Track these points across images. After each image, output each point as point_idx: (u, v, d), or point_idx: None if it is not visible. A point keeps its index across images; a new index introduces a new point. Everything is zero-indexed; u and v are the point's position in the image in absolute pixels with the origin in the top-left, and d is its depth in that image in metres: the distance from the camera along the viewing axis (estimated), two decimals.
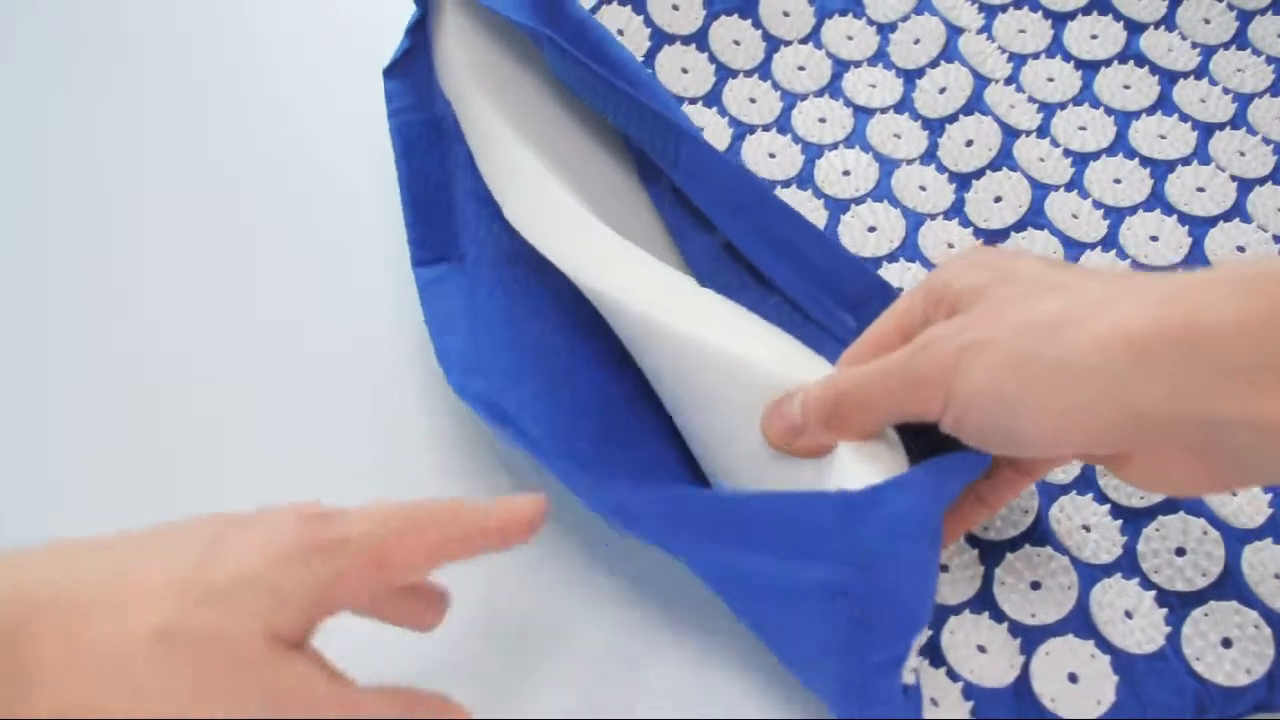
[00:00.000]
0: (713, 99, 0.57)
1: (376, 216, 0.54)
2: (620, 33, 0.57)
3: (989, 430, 0.35)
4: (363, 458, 0.49)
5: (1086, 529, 0.45)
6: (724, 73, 0.57)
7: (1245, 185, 0.53)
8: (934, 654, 0.42)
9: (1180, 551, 0.44)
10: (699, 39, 0.58)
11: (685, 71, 0.57)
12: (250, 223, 0.56)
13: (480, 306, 0.48)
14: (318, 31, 0.63)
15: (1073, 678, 0.42)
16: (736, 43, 0.58)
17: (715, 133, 0.55)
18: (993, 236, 0.52)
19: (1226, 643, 0.42)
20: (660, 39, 0.58)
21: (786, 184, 0.54)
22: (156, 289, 0.54)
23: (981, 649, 0.42)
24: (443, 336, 0.47)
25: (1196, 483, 0.36)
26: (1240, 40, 0.58)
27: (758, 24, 0.58)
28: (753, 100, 0.57)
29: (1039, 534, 0.45)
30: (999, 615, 0.43)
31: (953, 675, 0.42)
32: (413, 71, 0.53)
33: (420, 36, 0.53)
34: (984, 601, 0.44)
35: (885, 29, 0.58)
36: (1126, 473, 0.36)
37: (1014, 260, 0.37)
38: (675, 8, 0.58)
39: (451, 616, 0.39)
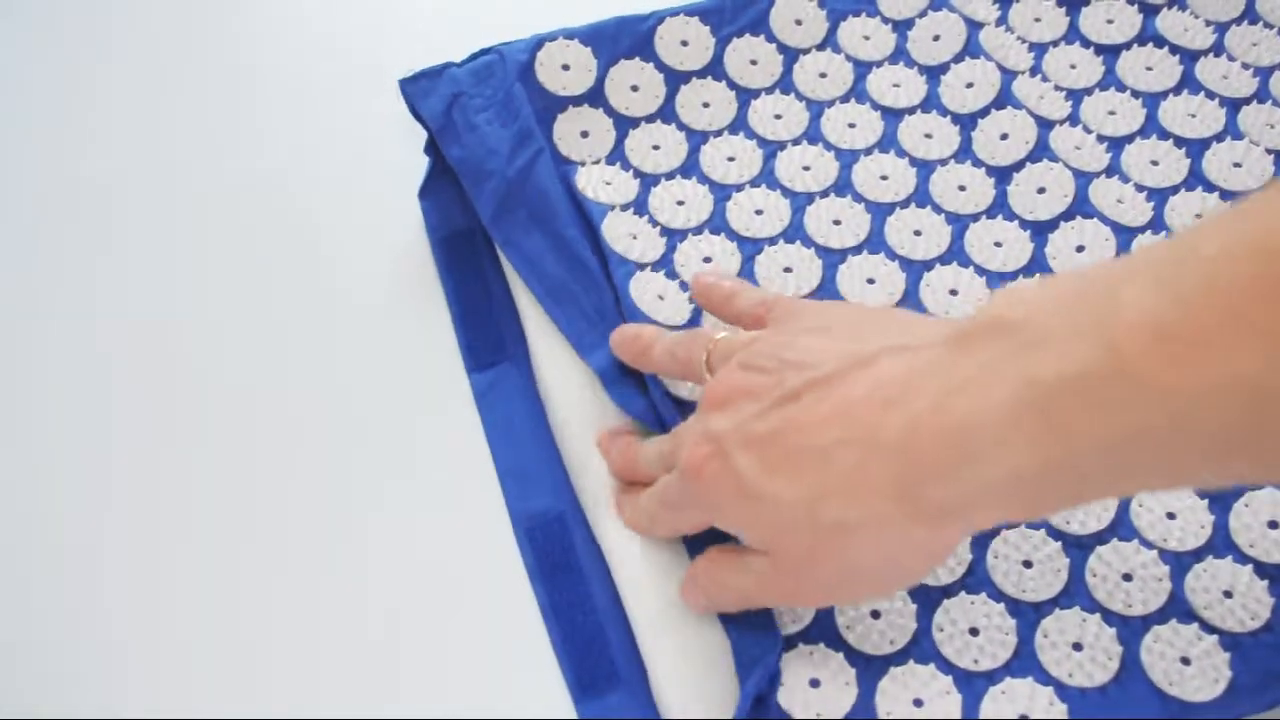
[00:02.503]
0: (738, 125, 0.56)
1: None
2: (635, 88, 0.56)
3: None
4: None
5: (1172, 516, 0.45)
6: (745, 96, 0.57)
7: None
8: (1028, 664, 0.42)
9: (1273, 524, 0.44)
10: (714, 69, 0.57)
11: (706, 105, 0.56)
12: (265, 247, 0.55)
13: (533, 408, 0.50)
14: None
15: (1185, 660, 0.41)
16: (753, 62, 0.57)
17: (745, 157, 0.55)
18: (1040, 228, 0.52)
19: None
20: (676, 80, 0.57)
21: (825, 194, 0.53)
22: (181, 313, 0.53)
23: (1077, 646, 0.42)
24: (502, 448, 0.49)
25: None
26: (1250, 15, 0.58)
27: (771, 38, 0.58)
28: (778, 116, 0.56)
29: (1124, 529, 0.45)
30: (1091, 606, 0.43)
31: (1044, 680, 0.42)
32: (442, 188, 0.55)
33: (439, 153, 0.54)
34: (1073, 595, 0.43)
35: (902, 26, 0.58)
36: None
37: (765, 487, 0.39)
38: (685, 43, 0.57)
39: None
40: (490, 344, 0.51)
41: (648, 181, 0.54)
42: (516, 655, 0.44)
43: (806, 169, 0.54)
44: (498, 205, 0.52)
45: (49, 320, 0.53)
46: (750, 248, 0.52)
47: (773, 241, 0.52)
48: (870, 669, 0.42)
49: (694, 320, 0.50)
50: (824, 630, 0.42)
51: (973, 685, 0.41)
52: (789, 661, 0.42)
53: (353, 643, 0.45)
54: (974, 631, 0.42)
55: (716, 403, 0.41)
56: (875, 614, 0.43)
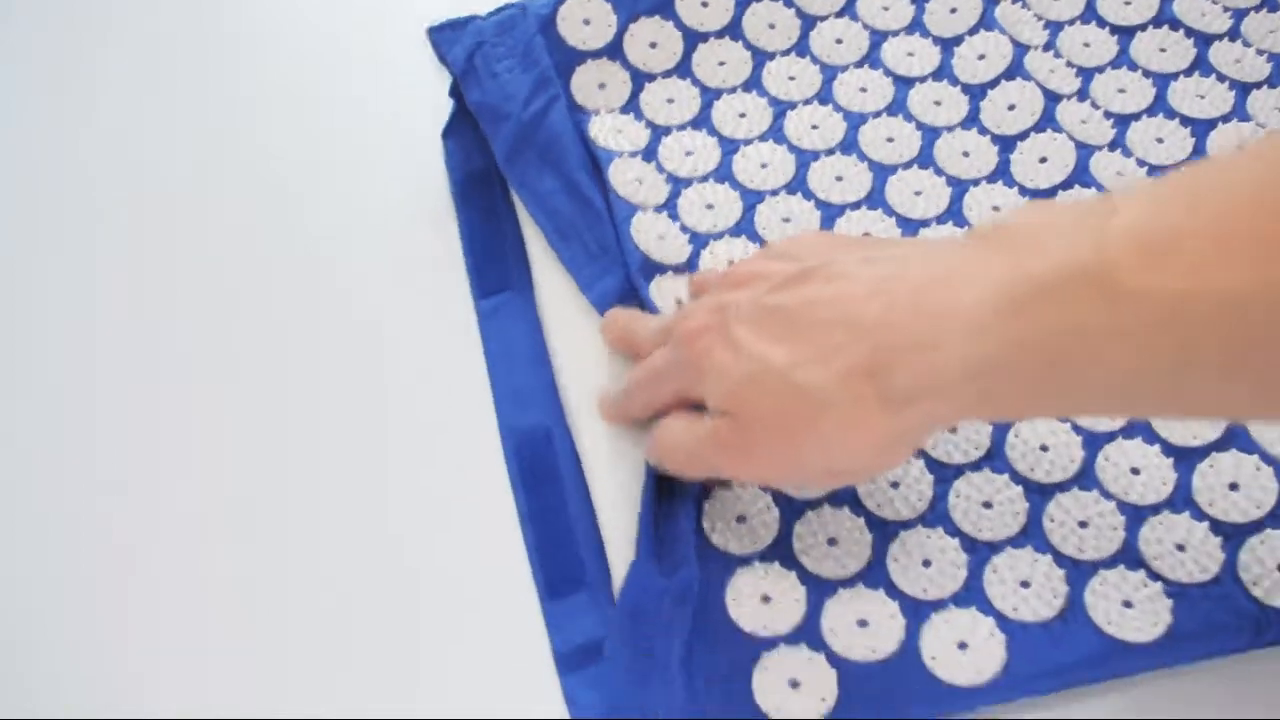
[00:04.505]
0: (752, 84, 0.58)
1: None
2: (654, 45, 0.58)
3: None
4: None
5: (1136, 471, 0.46)
6: (761, 57, 0.58)
7: None
8: (974, 596, 0.43)
9: (1234, 486, 0.45)
10: (732, 30, 0.59)
11: (722, 64, 0.58)
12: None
13: (533, 332, 0.52)
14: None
15: (1127, 604, 0.43)
16: (771, 26, 0.59)
17: (756, 114, 0.56)
18: (1040, 196, 0.53)
19: None
20: (694, 39, 0.59)
21: (830, 152, 0.55)
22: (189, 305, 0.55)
23: (1025, 584, 0.43)
24: (500, 369, 0.51)
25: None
26: (1270, 3, 0.59)
27: (789, 3, 0.60)
28: (792, 78, 0.58)
29: (1087, 479, 0.46)
30: (1044, 548, 0.44)
31: (986, 610, 0.43)
32: (464, 130, 0.57)
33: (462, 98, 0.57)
34: (1029, 536, 0.45)
35: None
36: None
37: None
38: (705, 4, 0.59)
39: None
40: (497, 273, 0.54)
41: (659, 132, 0.56)
42: (490, 560, 0.46)
43: (815, 128, 0.56)
44: (512, 147, 0.54)
45: (49, 310, 0.54)
46: (752, 197, 0.54)
47: (774, 193, 0.54)
48: (820, 589, 0.43)
49: (694, 259, 0.52)
50: (779, 551, 0.44)
51: (919, 612, 0.43)
52: (741, 584, 0.44)
53: (360, 562, 0.47)
54: (926, 563, 0.44)
55: (733, 284, 0.43)
56: (832, 540, 0.44)
